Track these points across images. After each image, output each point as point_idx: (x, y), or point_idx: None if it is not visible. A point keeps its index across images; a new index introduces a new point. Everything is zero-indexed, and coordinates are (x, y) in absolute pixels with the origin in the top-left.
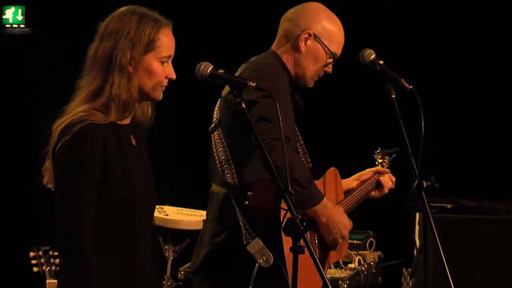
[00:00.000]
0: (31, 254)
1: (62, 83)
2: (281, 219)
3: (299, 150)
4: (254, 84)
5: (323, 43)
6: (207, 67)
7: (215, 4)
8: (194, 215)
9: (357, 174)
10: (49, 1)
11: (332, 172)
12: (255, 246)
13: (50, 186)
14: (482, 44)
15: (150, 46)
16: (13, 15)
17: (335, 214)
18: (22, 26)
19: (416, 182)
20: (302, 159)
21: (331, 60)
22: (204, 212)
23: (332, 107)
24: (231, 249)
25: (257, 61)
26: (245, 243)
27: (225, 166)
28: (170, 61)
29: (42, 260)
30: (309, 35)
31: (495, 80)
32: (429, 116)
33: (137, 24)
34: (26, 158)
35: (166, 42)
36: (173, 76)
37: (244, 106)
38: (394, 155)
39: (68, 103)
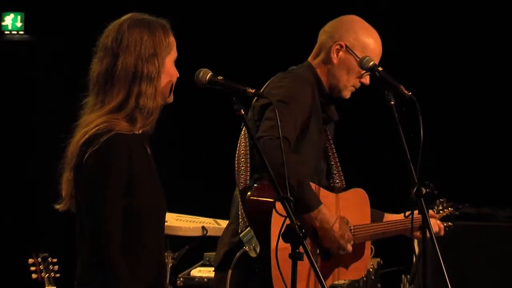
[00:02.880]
0: (30, 260)
1: (61, 88)
2: (280, 226)
3: (334, 170)
4: (254, 91)
5: (356, 55)
6: (206, 74)
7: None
8: (193, 222)
9: (408, 212)
10: (48, 7)
11: (359, 192)
12: (247, 235)
13: (64, 194)
14: (480, 51)
15: (168, 50)
16: (12, 21)
17: (330, 222)
18: (21, 32)
19: (415, 188)
20: (337, 180)
21: (367, 74)
22: (203, 219)
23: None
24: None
25: (289, 71)
26: (239, 230)
27: (242, 164)
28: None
29: (41, 267)
30: (341, 46)
31: (494, 87)
32: (428, 123)
33: (149, 31)
34: (26, 163)
35: (174, 42)
36: (177, 75)
37: (243, 112)
38: (459, 211)
39: (67, 108)
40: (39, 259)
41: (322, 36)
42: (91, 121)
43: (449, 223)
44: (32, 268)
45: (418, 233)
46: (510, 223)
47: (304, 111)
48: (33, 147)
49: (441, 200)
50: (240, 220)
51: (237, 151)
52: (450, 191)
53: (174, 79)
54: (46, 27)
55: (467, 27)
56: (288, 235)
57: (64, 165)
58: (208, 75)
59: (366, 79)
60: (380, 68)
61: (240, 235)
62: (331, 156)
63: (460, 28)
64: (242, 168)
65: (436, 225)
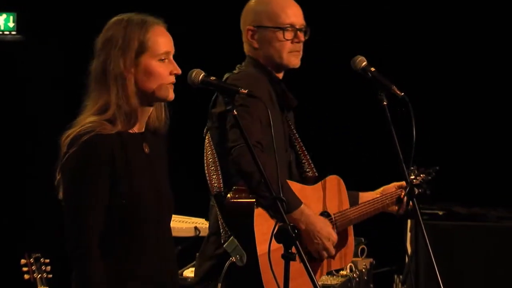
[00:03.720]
0: (22, 261)
1: (54, 89)
2: (273, 227)
3: (303, 159)
4: (246, 91)
5: (267, 27)
6: (198, 74)
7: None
8: (186, 222)
9: (382, 188)
10: (41, 8)
11: (333, 179)
12: (231, 245)
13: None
14: (471, 50)
15: (141, 48)
16: (4, 22)
17: (315, 223)
18: (13, 33)
19: (408, 188)
20: (308, 169)
21: (291, 32)
22: (195, 219)
23: (342, 115)
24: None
25: (239, 71)
26: (222, 241)
27: (213, 171)
28: (170, 57)
29: (34, 267)
30: (251, 30)
31: (485, 89)
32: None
33: (124, 31)
34: (17, 164)
35: (158, 39)
36: (178, 71)
37: (236, 113)
38: (432, 175)
39: (61, 109)
40: (32, 260)
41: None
42: (79, 122)
43: (420, 190)
44: (25, 269)
45: (394, 208)
46: (501, 223)
47: (264, 108)
48: (25, 146)
49: (412, 168)
50: (221, 230)
51: (205, 159)
52: (441, 191)
53: (165, 77)
54: (39, 27)
55: (464, 27)
56: (281, 235)
57: (56, 168)
58: (201, 76)
59: (299, 38)
60: (372, 69)
61: (224, 246)
62: (297, 146)
63: (457, 28)
64: (214, 175)
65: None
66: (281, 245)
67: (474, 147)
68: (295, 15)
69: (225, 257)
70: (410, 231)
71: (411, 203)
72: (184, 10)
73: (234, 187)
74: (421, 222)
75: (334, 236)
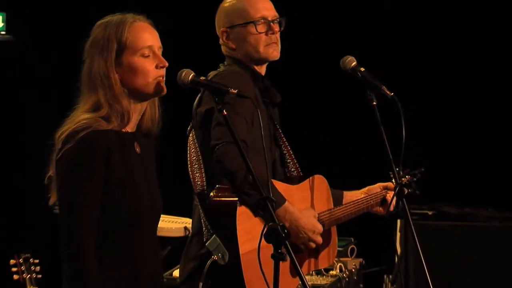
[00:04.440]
0: (12, 261)
1: (43, 90)
2: (262, 228)
3: (288, 158)
4: (236, 91)
5: (239, 24)
6: (188, 74)
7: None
8: (176, 222)
9: (367, 188)
10: (30, 8)
11: (318, 179)
12: (213, 243)
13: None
14: (460, 50)
15: (121, 47)
16: None
17: (298, 219)
18: (3, 33)
19: (397, 188)
20: (293, 168)
21: (263, 25)
22: (185, 219)
23: (328, 115)
24: None
25: (223, 70)
26: (204, 240)
27: (196, 170)
28: (156, 50)
29: (23, 268)
30: (225, 32)
31: (476, 88)
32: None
33: (103, 32)
34: (6, 165)
35: (137, 35)
36: (164, 63)
37: (226, 112)
38: (417, 176)
39: (49, 109)
40: (21, 260)
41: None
42: (73, 119)
43: (409, 190)
44: (14, 269)
45: (378, 208)
46: (491, 223)
47: (250, 105)
48: (13, 147)
49: (397, 169)
50: (204, 228)
51: (188, 157)
52: (431, 191)
53: (151, 72)
54: (28, 27)
55: (456, 28)
56: (270, 235)
57: (49, 163)
58: (191, 76)
59: (273, 29)
60: (362, 69)
61: (206, 244)
62: (282, 145)
63: (448, 29)
64: (197, 174)
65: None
66: (267, 244)
67: (464, 147)
68: (265, 8)
69: (208, 257)
70: (400, 231)
71: (400, 203)
72: (171, 8)
73: (217, 186)
74: (411, 222)
75: (318, 227)
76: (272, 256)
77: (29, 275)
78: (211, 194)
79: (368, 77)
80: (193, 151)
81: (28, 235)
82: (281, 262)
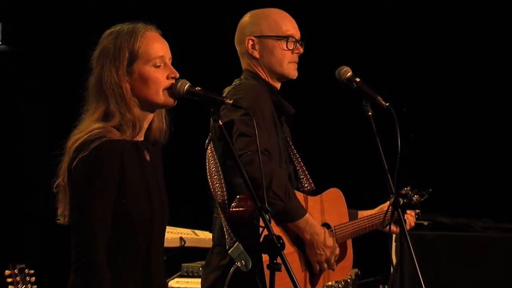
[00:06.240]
0: (7, 272)
1: (39, 100)
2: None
3: (301, 174)
4: (232, 102)
5: (269, 36)
6: (184, 84)
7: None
8: (171, 233)
9: (379, 206)
10: (26, 18)
11: (334, 192)
12: (236, 250)
13: (60, 203)
14: (457, 60)
15: (133, 57)
16: None
17: (319, 233)
18: None
19: (393, 199)
20: (306, 184)
21: (292, 43)
22: (181, 229)
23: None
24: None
25: (239, 83)
26: (227, 247)
27: (216, 181)
28: (166, 61)
29: (18, 278)
30: (252, 40)
31: (472, 97)
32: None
33: (114, 41)
34: (0, 176)
35: (149, 46)
36: (175, 74)
37: (221, 123)
38: (425, 197)
39: (45, 118)
40: (16, 271)
41: (237, 47)
42: (84, 128)
43: (417, 211)
44: (9, 280)
45: (393, 227)
46: (486, 234)
47: (269, 117)
48: (11, 158)
49: (406, 188)
50: (227, 236)
51: (207, 170)
52: (427, 202)
53: (162, 82)
54: (24, 38)
55: (451, 35)
56: (266, 245)
57: (58, 172)
58: (186, 86)
59: (298, 49)
60: (357, 79)
61: (229, 252)
62: (295, 161)
63: (443, 37)
64: (217, 185)
65: (409, 216)
66: (292, 251)
67: (459, 158)
68: (294, 28)
69: (230, 267)
70: (395, 241)
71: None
72: (178, 18)
73: (238, 196)
74: (406, 233)
75: (337, 248)
76: (268, 266)
77: (24, 286)
78: (233, 204)
79: (363, 87)
80: (212, 163)
81: (24, 246)
82: (302, 273)
